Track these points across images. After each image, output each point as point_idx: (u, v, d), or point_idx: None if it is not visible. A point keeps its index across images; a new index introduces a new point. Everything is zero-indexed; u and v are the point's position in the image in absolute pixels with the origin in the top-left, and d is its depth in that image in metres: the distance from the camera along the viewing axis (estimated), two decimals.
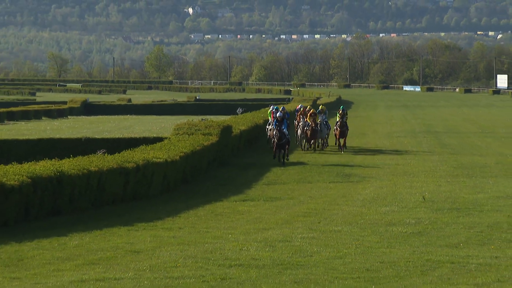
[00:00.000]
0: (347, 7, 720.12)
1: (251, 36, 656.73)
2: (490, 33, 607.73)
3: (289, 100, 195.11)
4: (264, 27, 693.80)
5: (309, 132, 69.69)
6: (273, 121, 66.62)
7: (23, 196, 47.60)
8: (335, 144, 73.26)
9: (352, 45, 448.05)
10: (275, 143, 58.18)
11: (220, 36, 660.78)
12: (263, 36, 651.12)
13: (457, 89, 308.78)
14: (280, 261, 37.44)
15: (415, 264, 36.98)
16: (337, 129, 70.40)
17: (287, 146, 60.33)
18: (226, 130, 78.94)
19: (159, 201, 56.73)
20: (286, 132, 57.47)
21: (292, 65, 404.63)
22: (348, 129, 71.53)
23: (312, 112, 70.31)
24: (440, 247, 40.62)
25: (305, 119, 71.01)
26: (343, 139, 70.30)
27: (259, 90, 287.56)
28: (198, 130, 75.42)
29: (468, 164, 77.25)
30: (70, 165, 53.73)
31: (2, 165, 50.64)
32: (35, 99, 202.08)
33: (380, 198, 57.01)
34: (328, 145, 74.53)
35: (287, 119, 70.47)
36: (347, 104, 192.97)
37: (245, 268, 35.87)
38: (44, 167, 51.66)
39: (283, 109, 73.00)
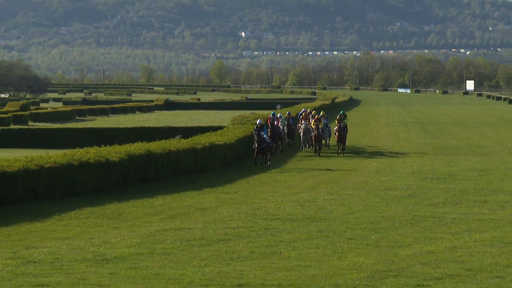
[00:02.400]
0: (357, 31, 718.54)
1: (287, 52, 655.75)
2: (461, 50, 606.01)
3: (314, 99, 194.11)
4: (296, 46, 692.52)
5: (313, 137, 64.51)
6: (269, 124, 63.22)
7: (122, 169, 48.95)
8: (339, 148, 67.56)
9: (360, 59, 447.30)
10: (256, 147, 53.46)
11: (264, 52, 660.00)
12: (296, 52, 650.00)
13: (437, 91, 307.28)
14: (308, 216, 37.73)
15: (406, 218, 37.32)
16: (336, 133, 65.09)
17: (269, 153, 55.84)
18: (264, 126, 79.72)
19: (220, 172, 57.17)
20: (266, 138, 53.40)
21: (316, 73, 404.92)
22: (346, 133, 66.23)
23: (317, 118, 64.84)
24: (424, 206, 40.89)
25: (307, 122, 66.08)
26: (342, 143, 65.30)
27: (292, 92, 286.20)
28: (248, 120, 75.58)
29: (445, 145, 76.87)
30: (156, 146, 54.98)
31: (107, 146, 51.27)
32: (131, 98, 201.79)
33: (381, 170, 56.95)
34: (329, 147, 69.23)
35: (293, 122, 70.89)
36: (356, 102, 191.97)
37: (283, 221, 36.20)
38: (137, 147, 53.12)
39: (289, 113, 71.32)
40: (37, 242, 31.58)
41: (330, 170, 58.50)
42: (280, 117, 67.47)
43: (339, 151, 65.10)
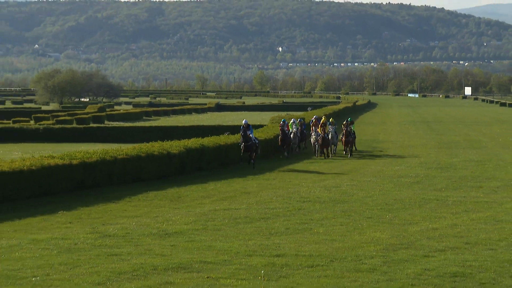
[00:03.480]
0: (374, 47, 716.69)
1: (316, 64, 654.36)
2: (461, 62, 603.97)
3: (339, 102, 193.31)
4: (324, 59, 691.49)
5: (320, 141, 60.65)
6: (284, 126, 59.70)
7: (180, 159, 49.21)
8: (343, 150, 63.04)
9: (377, 69, 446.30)
10: (242, 145, 49.81)
11: (297, 64, 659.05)
12: (323, 64, 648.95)
13: (440, 96, 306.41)
14: (333, 199, 37.67)
15: (414, 200, 37.21)
16: (343, 138, 60.60)
17: (254, 153, 51.33)
18: (300, 120, 79.00)
19: (261, 162, 56.17)
20: (253, 137, 49.89)
21: (340, 81, 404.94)
22: (353, 137, 62.34)
23: (322, 123, 61.27)
24: (430, 191, 40.72)
25: (317, 129, 62.21)
26: (348, 147, 61.29)
27: (321, 96, 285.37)
28: (285, 119, 75.79)
29: (447, 141, 76.44)
30: (208, 141, 54.86)
31: (169, 141, 51.34)
32: (188, 102, 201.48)
33: (394, 161, 56.70)
34: (335, 153, 63.53)
35: (303, 125, 67.03)
36: (373, 105, 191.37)
37: (312, 203, 36.23)
38: (193, 142, 53.03)
39: (300, 120, 68.11)
40: (112, 219, 31.83)
41: (352, 160, 58.56)
42: (294, 122, 63.85)
43: (345, 154, 60.87)
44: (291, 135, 61.16)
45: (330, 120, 64.68)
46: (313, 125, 63.81)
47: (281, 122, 60.24)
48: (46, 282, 21.09)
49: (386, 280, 21.37)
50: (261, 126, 74.56)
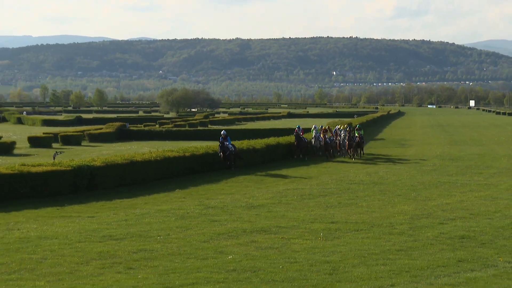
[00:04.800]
0: (403, 71, 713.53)
1: (360, 84, 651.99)
2: (467, 82, 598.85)
3: (377, 111, 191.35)
4: (366, 80, 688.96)
5: (323, 145, 53.67)
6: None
7: (262, 153, 48.56)
8: (350, 153, 54.33)
9: (405, 87, 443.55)
10: (221, 155, 42.19)
11: (347, 83, 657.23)
12: (366, 83, 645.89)
13: (451, 107, 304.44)
14: (373, 181, 37.44)
15: (433, 183, 36.77)
16: (346, 142, 52.96)
17: (236, 159, 43.51)
18: (349, 125, 78.46)
19: (321, 155, 55.47)
20: (230, 146, 42.71)
21: (378, 96, 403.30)
22: (357, 142, 53.39)
23: (324, 129, 55.18)
24: (444, 176, 40.23)
25: (331, 135, 55.45)
26: (351, 150, 53.27)
27: (364, 107, 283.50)
28: (337, 124, 75.10)
29: (457, 139, 75.73)
30: (282, 139, 53.83)
31: (254, 139, 50.99)
32: (267, 111, 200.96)
33: (417, 154, 56.07)
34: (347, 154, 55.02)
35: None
36: (402, 113, 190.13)
37: (358, 184, 36.11)
38: (271, 140, 52.54)
39: (321, 127, 58.12)
40: (213, 195, 31.95)
41: (389, 149, 58.03)
42: (315, 128, 56.17)
43: (350, 155, 53.35)
44: (312, 140, 54.56)
45: (342, 126, 57.62)
46: (323, 131, 55.79)
47: (296, 128, 53.89)
48: (167, 239, 21.50)
49: (412, 240, 21.67)
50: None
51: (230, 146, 42.35)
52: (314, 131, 55.18)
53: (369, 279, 16.98)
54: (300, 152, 52.29)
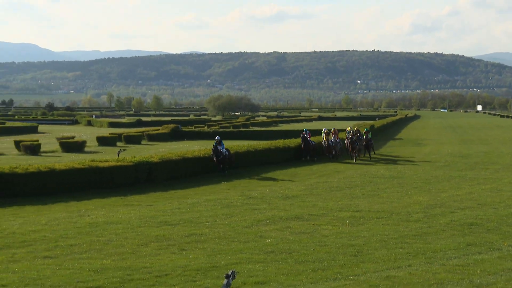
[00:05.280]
0: (419, 79, 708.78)
1: (381, 90, 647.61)
2: (475, 89, 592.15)
3: (395, 114, 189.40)
4: (386, 87, 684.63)
5: (326, 146, 49.73)
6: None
7: (295, 151, 48.25)
8: (350, 154, 49.89)
9: (421, 94, 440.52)
10: (215, 159, 37.61)
11: (369, 91, 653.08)
12: (386, 91, 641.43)
13: (461, 111, 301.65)
14: (393, 176, 37.21)
15: (445, 177, 36.52)
16: (349, 144, 48.12)
17: (226, 162, 38.28)
18: (371, 126, 77.54)
19: (343, 154, 55.08)
20: (224, 151, 38.16)
21: (397, 101, 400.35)
22: (357, 145, 49.03)
23: (325, 132, 51.22)
24: (454, 171, 39.82)
25: (336, 138, 50.51)
26: (354, 152, 48.40)
27: (384, 111, 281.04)
28: (361, 127, 74.27)
29: (466, 139, 75.00)
30: (313, 138, 51.47)
31: (288, 139, 50.88)
32: (301, 115, 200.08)
33: (432, 152, 55.61)
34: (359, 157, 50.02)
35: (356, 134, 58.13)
36: (418, 116, 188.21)
37: (379, 178, 35.92)
38: (280, 142, 50.85)
39: (334, 129, 53.63)
40: (254, 187, 31.93)
41: (405, 149, 57.72)
42: (325, 131, 51.83)
43: (353, 155, 48.42)
44: (322, 143, 50.28)
45: (349, 128, 54.18)
46: (332, 133, 51.30)
47: (303, 132, 50.02)
48: (214, 225, 21.57)
49: (426, 227, 21.55)
50: (344, 130, 73.59)
51: (224, 150, 38.20)
52: (323, 134, 51.98)
53: (389, 260, 17.01)
54: (307, 153, 48.44)
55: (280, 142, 48.30)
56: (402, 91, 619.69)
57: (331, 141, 49.99)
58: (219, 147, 37.42)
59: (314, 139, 51.08)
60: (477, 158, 49.55)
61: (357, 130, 53.49)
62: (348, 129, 53.13)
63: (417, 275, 15.59)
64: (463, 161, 47.48)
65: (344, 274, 15.61)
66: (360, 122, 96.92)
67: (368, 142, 51.15)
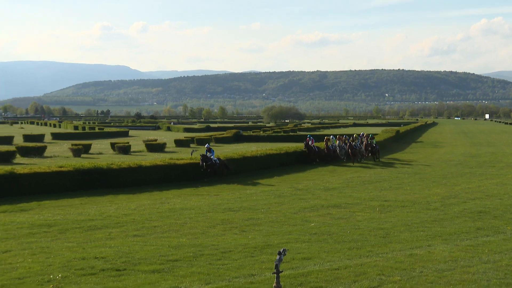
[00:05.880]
0: (436, 93, 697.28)
1: (405, 102, 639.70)
2: (483, 101, 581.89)
3: (417, 121, 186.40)
4: (409, 99, 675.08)
5: (325, 152, 43.83)
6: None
7: (333, 150, 46.71)
8: (351, 158, 44.97)
9: (438, 105, 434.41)
10: (204, 165, 32.43)
11: (395, 102, 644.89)
12: (409, 102, 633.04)
13: (471, 119, 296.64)
14: (415, 172, 36.90)
15: (458, 173, 36.10)
16: (349, 150, 42.96)
17: (217, 168, 32.83)
18: (397, 131, 76.66)
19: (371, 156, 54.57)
20: (213, 158, 33.16)
21: (418, 111, 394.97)
22: (357, 150, 44.02)
23: (326, 139, 45.34)
24: (466, 168, 39.19)
25: (341, 143, 45.11)
26: (355, 157, 42.98)
27: (408, 119, 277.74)
28: (388, 132, 73.30)
29: (476, 142, 73.60)
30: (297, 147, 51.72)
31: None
32: (339, 122, 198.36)
33: (447, 152, 54.71)
34: (364, 159, 45.55)
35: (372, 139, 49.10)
36: (436, 123, 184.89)
37: (403, 174, 35.63)
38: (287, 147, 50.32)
39: (345, 136, 50.05)
40: (300, 181, 31.86)
41: (424, 150, 57.07)
42: (333, 138, 47.48)
43: (353, 161, 43.06)
44: (331, 148, 44.97)
45: (354, 135, 49.67)
46: (340, 140, 45.81)
47: (307, 138, 44.36)
48: (268, 211, 21.57)
49: (443, 214, 21.34)
50: (376, 134, 72.97)
51: (214, 158, 33.36)
52: (332, 141, 46.86)
53: (412, 241, 16.92)
54: (314, 158, 43.11)
55: (322, 145, 47.73)
56: (423, 102, 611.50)
57: (331, 146, 45.51)
58: (209, 154, 33.25)
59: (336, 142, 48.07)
60: (485, 158, 48.69)
61: (356, 137, 48.73)
62: (355, 135, 48.95)
63: (435, 253, 15.50)
64: (473, 160, 46.68)
65: (374, 252, 15.57)
66: (388, 128, 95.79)
67: (373, 149, 45.87)
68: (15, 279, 12.79)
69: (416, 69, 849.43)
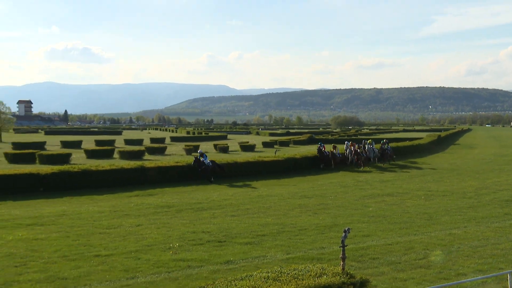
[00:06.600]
0: (471, 106, 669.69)
1: (445, 113, 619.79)
2: (510, 112, 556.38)
3: (455, 128, 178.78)
4: (449, 110, 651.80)
5: (330, 157, 35.62)
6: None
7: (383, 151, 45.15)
8: (357, 162, 37.15)
9: (472, 115, 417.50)
10: (200, 169, 27.79)
11: (438, 112, 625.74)
12: (450, 112, 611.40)
13: (500, 126, 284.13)
14: (453, 168, 35.59)
15: (489, 169, 34.66)
16: (355, 156, 36.24)
17: (210, 170, 27.93)
18: (439, 135, 74.06)
19: (400, 159, 53.04)
20: (206, 162, 28.15)
21: (456, 119, 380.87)
22: (362, 156, 36.28)
23: (333, 146, 37.14)
24: (496, 165, 37.30)
25: (352, 150, 36.88)
26: (360, 161, 35.51)
27: (447, 126, 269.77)
28: (432, 136, 70.98)
29: (504, 144, 70.10)
30: (401, 143, 50.10)
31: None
32: (392, 128, 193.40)
33: (481, 152, 52.36)
34: (369, 164, 37.98)
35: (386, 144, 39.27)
36: (470, 130, 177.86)
37: (443, 170, 34.27)
38: (398, 143, 48.25)
39: (364, 141, 40.94)
40: (360, 175, 31.35)
41: (461, 150, 54.90)
42: (346, 143, 38.47)
43: (360, 165, 35.89)
44: (347, 153, 37.32)
45: (369, 141, 40.53)
46: (350, 146, 37.52)
47: (318, 144, 37.19)
48: (335, 198, 21.43)
49: (477, 201, 20.73)
50: (420, 138, 70.72)
51: (207, 162, 28.44)
52: (345, 147, 38.69)
53: (451, 223, 16.49)
54: (325, 163, 35.37)
55: (377, 146, 46.52)
56: (459, 113, 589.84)
57: (337, 153, 36.97)
58: (202, 159, 28.62)
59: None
60: (511, 157, 46.51)
61: (362, 144, 39.55)
62: (370, 141, 40.27)
63: (470, 233, 15.12)
64: (501, 159, 44.50)
65: (420, 231, 15.28)
66: (431, 133, 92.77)
67: (384, 152, 38.95)
68: (145, 246, 13.22)
69: (454, 86, 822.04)
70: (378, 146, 41.60)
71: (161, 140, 74.62)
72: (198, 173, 27.94)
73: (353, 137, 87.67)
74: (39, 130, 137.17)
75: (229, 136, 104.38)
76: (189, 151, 50.60)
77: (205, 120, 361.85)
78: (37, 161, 38.14)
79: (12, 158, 38.80)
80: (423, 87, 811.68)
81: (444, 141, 77.29)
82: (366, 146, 38.80)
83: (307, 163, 35.08)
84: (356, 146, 37.71)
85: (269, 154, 38.26)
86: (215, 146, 57.53)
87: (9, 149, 51.89)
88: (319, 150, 35.64)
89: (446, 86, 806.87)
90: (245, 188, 24.95)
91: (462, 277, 10.86)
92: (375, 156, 38.54)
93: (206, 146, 63.65)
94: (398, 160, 41.88)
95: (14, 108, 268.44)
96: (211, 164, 28.56)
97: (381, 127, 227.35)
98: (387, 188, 24.87)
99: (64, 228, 15.23)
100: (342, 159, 36.58)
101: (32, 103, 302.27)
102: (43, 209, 18.41)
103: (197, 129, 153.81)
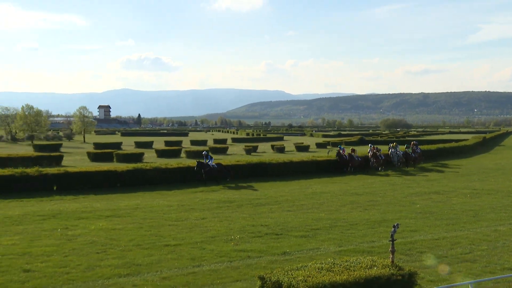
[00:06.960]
0: (497, 109, 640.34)
1: (490, 115, 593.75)
2: None
3: (493, 132, 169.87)
4: (494, 113, 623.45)
5: (348, 159, 32.29)
6: None
7: (438, 152, 43.48)
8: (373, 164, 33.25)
9: (509, 119, 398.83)
10: (203, 171, 25.47)
11: (480, 116, 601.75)
12: (487, 116, 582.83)
13: None
14: (498, 168, 34.27)
15: (506, 171, 32.64)
16: (374, 159, 32.67)
17: (216, 172, 26.01)
18: (484, 137, 70.97)
19: (461, 157, 51.12)
20: (211, 163, 26.07)
21: (501, 122, 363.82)
22: (381, 159, 32.79)
23: (352, 149, 33.45)
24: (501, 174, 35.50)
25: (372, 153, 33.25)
26: (378, 163, 32.33)
27: (492, 128, 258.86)
28: (477, 138, 68.25)
29: None
30: (443, 145, 48.32)
31: (427, 145, 46.26)
32: (438, 130, 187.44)
33: (499, 159, 50.13)
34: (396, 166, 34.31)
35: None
36: (499, 135, 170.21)
37: (489, 169, 32.95)
38: (438, 145, 46.68)
39: (393, 143, 37.24)
40: (408, 175, 30.49)
41: (506, 153, 52.54)
42: (371, 146, 34.18)
43: (376, 166, 32.87)
44: (369, 155, 33.54)
45: (393, 144, 35.11)
46: (373, 149, 33.54)
47: (338, 148, 34.18)
48: (384, 195, 21.08)
49: (502, 197, 20.13)
50: (466, 139, 67.96)
51: (212, 164, 26.40)
52: (369, 150, 34.42)
53: (496, 220, 15.91)
54: (344, 166, 31.65)
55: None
56: (504, 115, 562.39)
57: (355, 155, 32.83)
58: (206, 161, 26.53)
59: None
60: None
61: (394, 145, 35.49)
62: (393, 145, 35.45)
63: None
64: None
65: (466, 228, 14.80)
66: (477, 135, 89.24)
67: (407, 156, 35.12)
68: (209, 237, 13.40)
69: (499, 90, 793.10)
70: (422, 147, 40.45)
71: (223, 141, 75.36)
72: (202, 176, 25.74)
73: (401, 139, 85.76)
74: (116, 132, 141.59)
75: (285, 137, 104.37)
76: (248, 151, 50.91)
77: (263, 123, 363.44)
78: (114, 160, 39.66)
79: (93, 157, 40.57)
80: (469, 91, 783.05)
81: (489, 142, 74.34)
82: (390, 150, 35.04)
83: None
84: (375, 149, 33.64)
85: (322, 154, 37.95)
86: (272, 146, 57.70)
87: (91, 148, 54.43)
88: (338, 153, 32.11)
89: (491, 90, 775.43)
90: (300, 185, 24.83)
91: (508, 272, 10.45)
92: (399, 161, 34.44)
93: (264, 147, 63.98)
94: (442, 160, 40.26)
95: (95, 113, 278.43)
96: (216, 166, 26.51)
97: (428, 129, 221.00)
98: (433, 186, 24.14)
99: (138, 220, 15.70)
100: (361, 162, 32.55)
101: (110, 108, 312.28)
102: (120, 203, 19.06)
103: (256, 131, 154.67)
